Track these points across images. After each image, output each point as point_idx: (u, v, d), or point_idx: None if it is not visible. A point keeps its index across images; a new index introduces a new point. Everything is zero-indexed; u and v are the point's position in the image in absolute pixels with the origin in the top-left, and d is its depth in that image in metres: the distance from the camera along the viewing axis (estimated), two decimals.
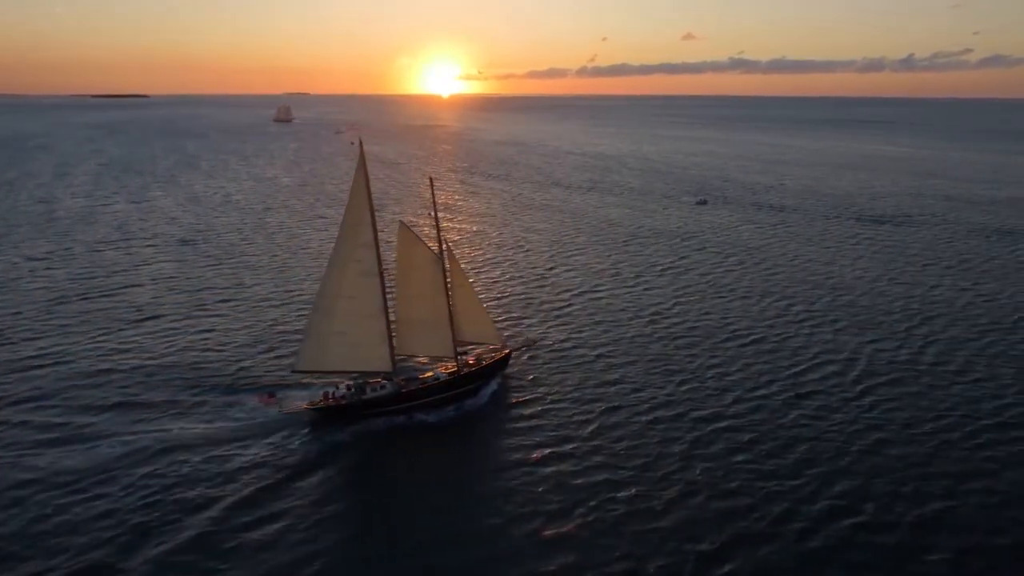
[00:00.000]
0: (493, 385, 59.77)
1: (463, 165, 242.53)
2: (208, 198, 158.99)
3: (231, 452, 49.02)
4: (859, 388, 60.47)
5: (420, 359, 62.63)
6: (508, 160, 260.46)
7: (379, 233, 56.39)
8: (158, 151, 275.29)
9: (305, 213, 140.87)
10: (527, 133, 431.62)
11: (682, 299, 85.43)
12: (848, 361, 66.25)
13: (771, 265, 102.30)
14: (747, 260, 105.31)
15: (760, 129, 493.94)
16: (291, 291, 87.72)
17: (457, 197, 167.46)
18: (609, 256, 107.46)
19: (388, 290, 56.18)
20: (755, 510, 43.03)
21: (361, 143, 56.19)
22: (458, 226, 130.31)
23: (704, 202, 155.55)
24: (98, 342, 69.19)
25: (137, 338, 70.57)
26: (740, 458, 49.07)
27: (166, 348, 68.14)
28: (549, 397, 58.65)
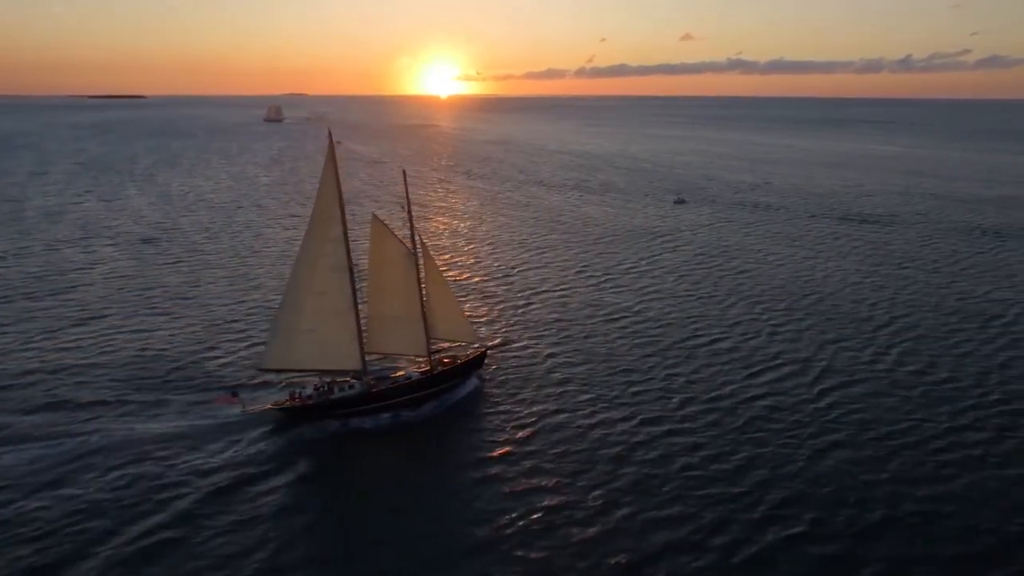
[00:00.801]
0: (468, 384, 57.63)
1: (448, 164, 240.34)
2: (181, 197, 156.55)
3: (190, 453, 46.96)
4: (816, 390, 58.06)
5: (393, 357, 60.03)
6: (494, 159, 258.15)
7: (353, 229, 54.43)
8: (141, 150, 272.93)
9: (276, 212, 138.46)
10: (518, 133, 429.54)
11: (647, 299, 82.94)
12: (808, 362, 63.78)
13: (742, 264, 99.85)
14: (718, 259, 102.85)
15: (754, 129, 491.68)
16: (253, 290, 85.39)
17: (436, 195, 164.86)
18: (580, 255, 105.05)
19: (359, 286, 54.31)
20: (689, 520, 40.55)
21: (331, 134, 53.78)
22: (433, 223, 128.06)
23: (682, 201, 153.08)
24: (36, 342, 66.76)
25: (84, 337, 68.18)
26: (680, 463, 46.59)
27: (118, 347, 65.76)
28: (518, 398, 56.49)
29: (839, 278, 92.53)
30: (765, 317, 76.04)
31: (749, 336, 70.23)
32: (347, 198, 53.56)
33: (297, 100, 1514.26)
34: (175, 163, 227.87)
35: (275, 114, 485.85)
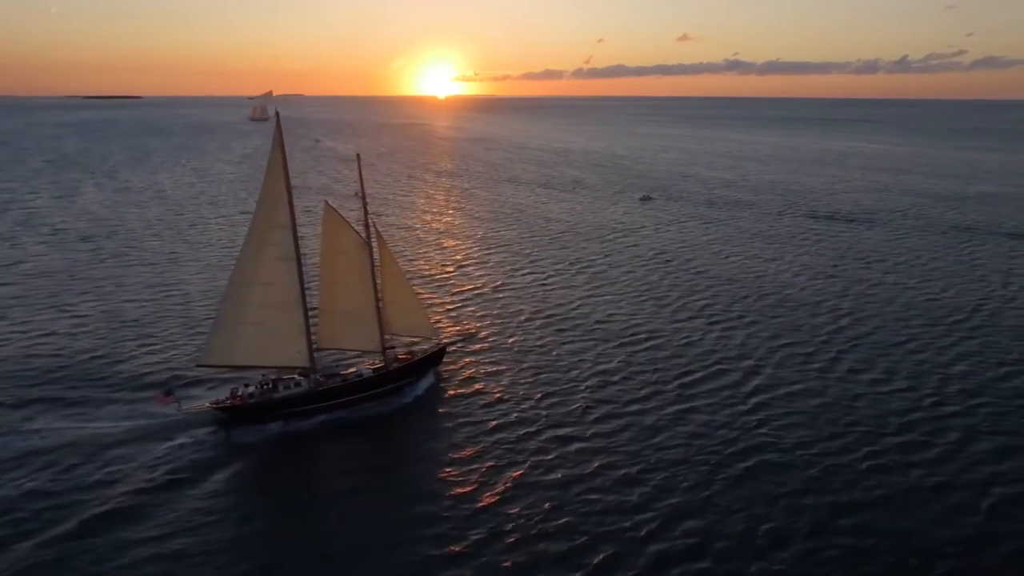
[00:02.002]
0: (424, 383, 54.48)
1: (422, 161, 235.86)
2: (138, 193, 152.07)
3: (118, 455, 43.71)
4: (754, 401, 53.01)
5: (344, 353, 56.79)
6: (471, 156, 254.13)
7: (305, 226, 50.76)
8: (116, 148, 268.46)
9: (229, 208, 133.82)
10: (505, 132, 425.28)
11: (592, 298, 78.66)
12: (751, 368, 59.08)
13: (701, 263, 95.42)
14: (676, 258, 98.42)
15: (745, 128, 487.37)
16: (190, 284, 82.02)
17: (402, 191, 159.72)
18: (534, 252, 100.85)
19: (309, 277, 51.09)
20: (579, 553, 35.67)
21: (278, 115, 50.17)
22: (394, 218, 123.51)
23: (648, 198, 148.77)
24: None
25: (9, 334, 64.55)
26: (584, 486, 42.10)
27: (35, 346, 62.03)
28: (473, 397, 53.41)
29: (798, 277, 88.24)
30: (715, 320, 71.48)
31: (693, 340, 65.70)
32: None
33: (295, 100, 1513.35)
34: (145, 160, 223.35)
35: (260, 113, 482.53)
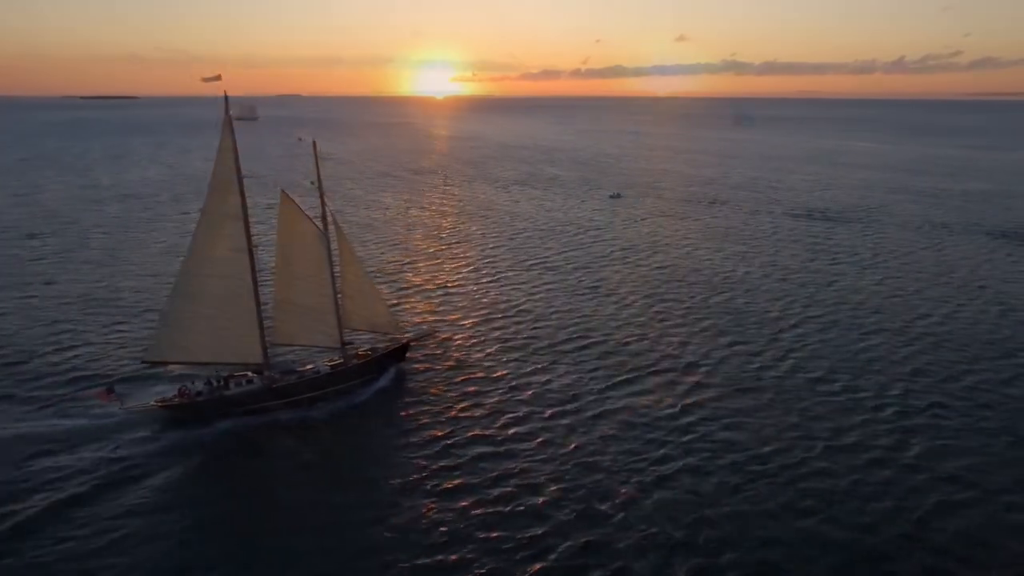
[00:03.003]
0: (383, 380, 52.20)
1: (402, 159, 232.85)
2: (104, 190, 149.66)
3: (52, 457, 41.04)
4: (683, 403, 49.94)
5: (303, 349, 54.30)
6: (453, 154, 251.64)
7: (260, 221, 48.24)
8: (96, 146, 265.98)
9: (191, 203, 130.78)
10: (495, 131, 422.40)
11: (539, 295, 75.84)
12: (687, 369, 56.15)
13: (659, 261, 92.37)
14: (635, 256, 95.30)
15: (738, 127, 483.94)
16: (135, 280, 79.95)
17: (371, 188, 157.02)
18: (488, 249, 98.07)
19: (265, 271, 49.23)
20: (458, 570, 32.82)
21: (227, 98, 47.95)
22: (360, 215, 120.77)
23: (618, 196, 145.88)
24: None
25: None
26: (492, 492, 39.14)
27: None
28: (432, 395, 51.35)
29: (760, 275, 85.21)
30: (660, 318, 68.52)
31: (631, 339, 62.75)
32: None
33: (293, 100, 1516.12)
34: (122, 157, 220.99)
35: (249, 113, 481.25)
